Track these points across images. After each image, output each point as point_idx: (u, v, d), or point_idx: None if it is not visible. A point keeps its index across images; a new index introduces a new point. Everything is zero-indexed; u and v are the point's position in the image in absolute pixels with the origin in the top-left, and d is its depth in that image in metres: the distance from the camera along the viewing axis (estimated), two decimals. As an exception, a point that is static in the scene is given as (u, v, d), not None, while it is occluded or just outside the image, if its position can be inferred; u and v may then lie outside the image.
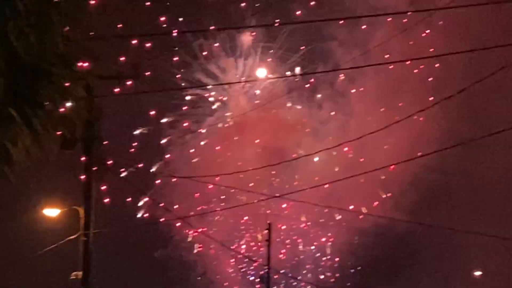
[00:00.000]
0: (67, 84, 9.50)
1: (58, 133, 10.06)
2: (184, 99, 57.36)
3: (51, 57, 9.10)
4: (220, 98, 59.27)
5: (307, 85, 58.44)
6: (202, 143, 56.97)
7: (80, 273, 22.53)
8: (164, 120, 55.18)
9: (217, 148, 56.57)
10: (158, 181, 49.86)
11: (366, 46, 55.43)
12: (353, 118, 56.83)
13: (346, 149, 52.84)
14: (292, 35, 58.61)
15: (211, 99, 58.92)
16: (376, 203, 51.47)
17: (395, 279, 54.13)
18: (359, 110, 57.67)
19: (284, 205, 51.13)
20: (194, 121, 58.10)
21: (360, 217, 53.61)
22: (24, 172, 9.91)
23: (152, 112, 53.28)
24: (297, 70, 57.41)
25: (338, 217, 55.45)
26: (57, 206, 23.64)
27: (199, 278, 54.91)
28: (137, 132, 53.51)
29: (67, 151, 20.95)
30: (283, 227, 54.87)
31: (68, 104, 9.75)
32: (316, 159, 53.63)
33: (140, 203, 51.50)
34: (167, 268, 52.64)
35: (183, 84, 56.43)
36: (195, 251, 54.92)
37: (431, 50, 49.83)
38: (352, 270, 55.89)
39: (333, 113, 57.60)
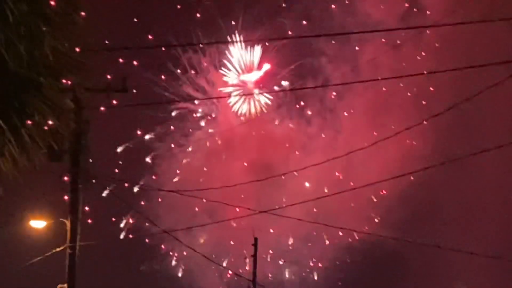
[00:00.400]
0: (55, 96, 9.48)
1: (46, 144, 10.01)
2: (172, 113, 57.41)
3: (40, 68, 9.09)
4: (208, 112, 59.32)
5: (297, 103, 58.67)
6: (186, 160, 56.91)
7: (65, 286, 22.45)
8: (148, 137, 55.09)
9: (204, 163, 56.64)
10: (144, 197, 49.88)
11: (356, 62, 55.72)
12: (342, 135, 57.01)
13: (337, 174, 52.82)
14: (282, 50, 58.82)
15: (199, 113, 58.98)
16: (366, 227, 51.32)
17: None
18: (348, 127, 57.82)
19: (271, 229, 50.89)
20: (182, 135, 58.22)
21: (350, 240, 53.52)
22: (11, 183, 9.89)
23: (140, 127, 53.48)
24: (285, 84, 57.53)
25: (327, 242, 55.32)
26: (44, 218, 23.54)
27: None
28: (122, 147, 53.49)
29: (55, 162, 20.93)
30: (270, 251, 54.75)
31: (56, 116, 9.72)
32: (307, 184, 53.45)
33: (122, 224, 51.28)
34: (153, 282, 52.58)
35: (174, 98, 56.60)
36: (180, 273, 54.54)
37: (422, 68, 50.17)
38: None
39: (323, 135, 57.65)
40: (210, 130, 57.26)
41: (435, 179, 47.83)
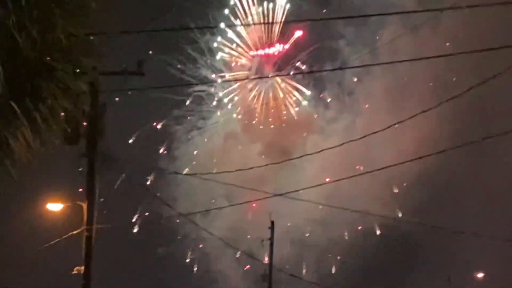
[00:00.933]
0: (68, 80, 9.49)
1: (60, 128, 10.03)
2: (190, 96, 57.35)
3: (54, 52, 9.09)
4: (226, 95, 59.15)
5: (315, 88, 58.39)
6: (204, 143, 56.78)
7: (82, 268, 22.57)
8: (165, 120, 55.00)
9: (221, 146, 56.54)
10: (161, 181, 49.49)
11: (374, 46, 55.37)
12: (360, 117, 56.71)
13: (358, 167, 52.16)
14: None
15: (216, 96, 58.86)
16: (384, 214, 50.83)
17: (398, 279, 54.15)
18: (366, 110, 57.54)
19: (287, 216, 50.49)
20: (200, 118, 58.16)
21: (368, 227, 53.10)
22: (26, 166, 9.93)
23: (157, 110, 53.41)
24: (297, 65, 57.27)
25: (346, 235, 54.90)
26: (60, 201, 23.66)
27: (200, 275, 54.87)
28: (138, 131, 53.46)
29: (74, 146, 21.01)
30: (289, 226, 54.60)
31: (70, 100, 9.75)
32: (327, 179, 52.88)
33: (134, 219, 51.14)
34: (169, 264, 52.64)
35: (191, 80, 56.44)
36: (196, 258, 54.33)
37: (440, 51, 49.83)
38: (355, 271, 55.85)
39: (341, 119, 57.29)
40: (227, 114, 57.24)
41: (453, 164, 47.65)
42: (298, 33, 56.55)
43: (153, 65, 42.03)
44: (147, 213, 48.78)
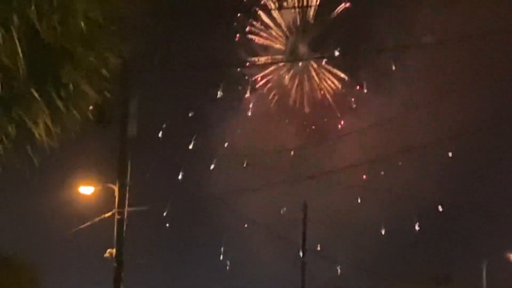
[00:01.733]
0: (90, 66, 9.53)
1: (83, 114, 10.12)
2: (225, 76, 57.25)
3: (74, 38, 9.10)
4: (261, 76, 59.01)
5: (350, 64, 58.00)
6: (239, 123, 56.68)
7: (114, 251, 22.70)
8: (200, 102, 55.02)
9: (256, 126, 56.40)
10: (194, 162, 49.59)
11: (410, 23, 54.83)
12: (395, 98, 56.29)
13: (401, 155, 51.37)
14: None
15: (252, 77, 58.71)
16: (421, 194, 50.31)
17: (433, 259, 53.86)
18: (401, 91, 57.04)
19: (322, 198, 50.08)
20: (235, 99, 58.07)
21: (402, 205, 52.66)
22: (57, 150, 9.99)
23: (191, 91, 53.45)
24: (336, 52, 56.87)
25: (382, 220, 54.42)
26: (92, 184, 23.80)
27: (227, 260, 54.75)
28: (172, 112, 53.52)
29: (103, 129, 21.08)
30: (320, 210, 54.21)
31: (93, 86, 9.81)
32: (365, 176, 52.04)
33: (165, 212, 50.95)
34: (202, 246, 52.84)
35: (226, 61, 56.36)
36: (227, 240, 54.28)
37: (479, 27, 49.12)
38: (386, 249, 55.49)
39: (375, 100, 56.79)
40: (262, 95, 57.12)
41: (490, 144, 47.17)
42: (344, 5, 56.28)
43: (186, 46, 42.00)
44: (179, 196, 48.88)
